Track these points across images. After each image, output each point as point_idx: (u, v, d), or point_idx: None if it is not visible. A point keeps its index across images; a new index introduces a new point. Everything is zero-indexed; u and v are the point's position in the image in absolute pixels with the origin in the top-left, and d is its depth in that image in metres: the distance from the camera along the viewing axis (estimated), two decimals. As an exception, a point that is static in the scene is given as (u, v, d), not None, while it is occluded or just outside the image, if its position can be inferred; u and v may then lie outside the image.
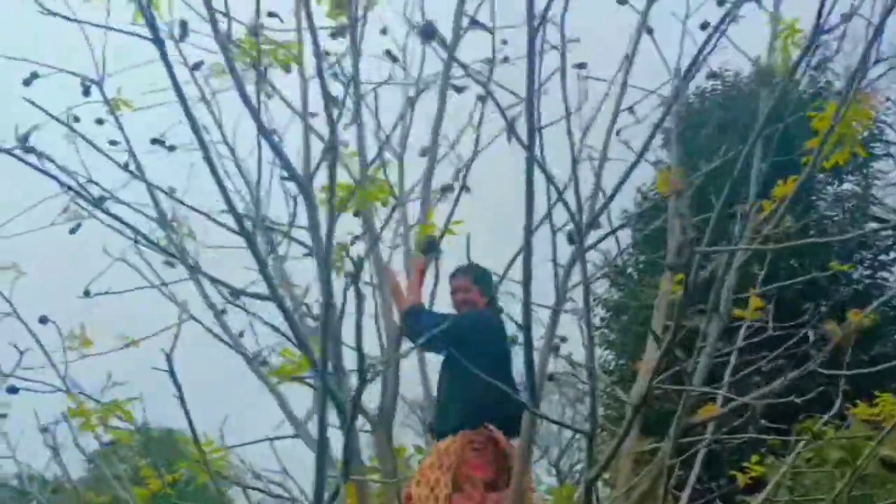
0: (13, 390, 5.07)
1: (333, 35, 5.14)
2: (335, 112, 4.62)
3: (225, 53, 3.74)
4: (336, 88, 5.36)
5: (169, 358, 3.26)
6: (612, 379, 13.70)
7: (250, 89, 4.00)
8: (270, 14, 4.91)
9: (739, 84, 15.99)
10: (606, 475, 4.77)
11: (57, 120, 4.90)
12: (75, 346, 5.18)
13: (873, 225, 15.55)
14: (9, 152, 4.27)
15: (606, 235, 4.52)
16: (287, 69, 5.12)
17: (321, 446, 2.86)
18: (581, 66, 5.17)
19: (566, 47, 3.87)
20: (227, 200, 3.96)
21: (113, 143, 5.15)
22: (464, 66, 5.21)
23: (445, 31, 5.33)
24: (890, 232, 15.72)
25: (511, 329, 5.07)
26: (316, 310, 5.43)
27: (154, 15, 3.52)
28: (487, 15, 5.51)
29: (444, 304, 5.32)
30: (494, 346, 4.83)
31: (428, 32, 5.15)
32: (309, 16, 3.88)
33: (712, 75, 5.31)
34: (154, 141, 5.38)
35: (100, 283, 5.24)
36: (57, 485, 5.58)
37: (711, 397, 4.90)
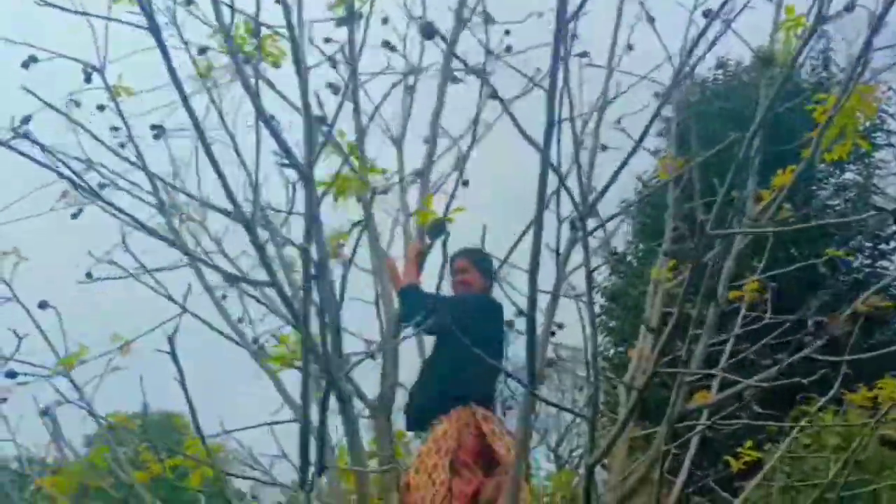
0: (11, 375, 5.08)
1: (339, 23, 5.16)
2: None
3: (226, 38, 3.75)
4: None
5: (171, 342, 3.29)
6: (610, 366, 13.75)
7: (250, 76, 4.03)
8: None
9: (741, 74, 15.98)
10: (603, 460, 4.79)
11: (52, 107, 4.89)
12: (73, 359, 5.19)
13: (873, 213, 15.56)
14: (5, 145, 4.26)
15: (605, 221, 4.53)
16: (276, 65, 5.11)
17: (303, 431, 2.87)
18: (583, 55, 5.19)
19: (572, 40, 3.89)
20: (226, 188, 3.98)
21: (114, 129, 5.16)
22: (463, 63, 5.21)
23: (446, 18, 5.34)
24: (890, 221, 15.74)
25: (509, 314, 5.10)
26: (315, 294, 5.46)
27: (150, 1, 3.52)
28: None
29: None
30: (487, 331, 4.84)
31: (428, 32, 5.16)
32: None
33: (721, 65, 5.30)
34: (153, 127, 5.39)
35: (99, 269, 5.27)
36: (57, 468, 5.59)
37: (707, 385, 4.92)
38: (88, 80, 4.92)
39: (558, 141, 3.20)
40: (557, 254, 3.67)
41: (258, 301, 5.63)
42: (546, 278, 4.33)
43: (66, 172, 4.69)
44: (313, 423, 3.36)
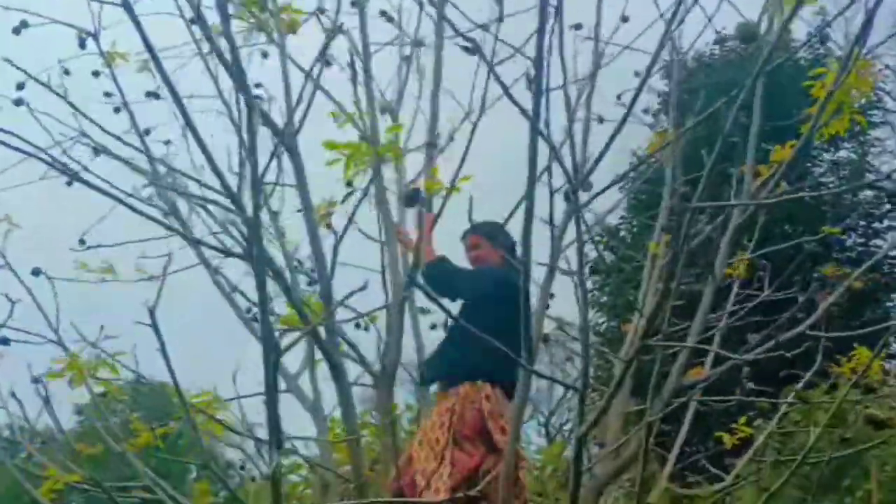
0: (4, 342, 5.07)
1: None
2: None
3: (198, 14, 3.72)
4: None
5: (152, 313, 3.26)
6: (602, 340, 13.78)
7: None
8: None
9: (738, 49, 15.92)
10: (594, 433, 4.80)
11: (37, 81, 4.87)
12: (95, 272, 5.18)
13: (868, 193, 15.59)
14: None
15: (599, 193, 4.51)
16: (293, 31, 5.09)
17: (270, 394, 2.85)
18: (577, 27, 5.15)
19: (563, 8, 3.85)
20: (210, 160, 3.96)
21: (107, 94, 5.13)
22: (456, 30, 5.18)
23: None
24: (884, 199, 15.76)
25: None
26: (308, 265, 5.45)
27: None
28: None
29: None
30: (508, 304, 4.80)
31: None
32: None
33: (718, 41, 5.28)
34: (149, 94, 5.36)
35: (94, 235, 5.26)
36: (48, 436, 5.60)
37: (700, 361, 4.92)
38: (83, 45, 4.89)
39: (546, 110, 3.19)
40: (552, 226, 3.66)
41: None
42: (540, 250, 4.35)
43: (46, 155, 4.66)
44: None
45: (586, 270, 14.58)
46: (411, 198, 5.25)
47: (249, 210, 4.22)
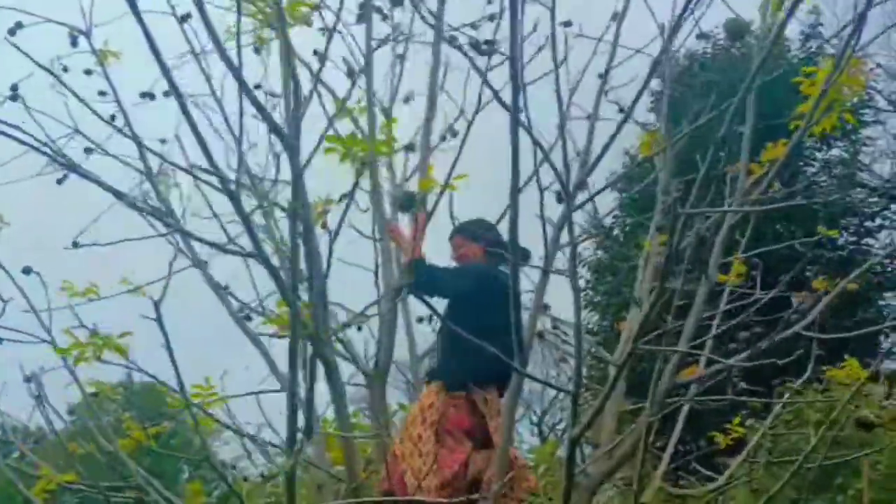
0: (-4, 341, 5.07)
1: None
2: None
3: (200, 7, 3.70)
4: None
5: (157, 306, 3.27)
6: (597, 340, 13.78)
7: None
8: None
9: (730, 46, 15.93)
10: (588, 434, 4.80)
11: (44, 68, 4.85)
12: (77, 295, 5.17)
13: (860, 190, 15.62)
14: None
15: (593, 195, 4.51)
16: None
17: (291, 395, 2.86)
18: (567, 24, 5.14)
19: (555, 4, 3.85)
20: (209, 157, 3.94)
21: (101, 93, 5.11)
22: (446, 33, 5.19)
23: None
24: (876, 198, 15.79)
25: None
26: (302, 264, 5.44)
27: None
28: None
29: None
30: (493, 298, 4.80)
31: None
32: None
33: (703, 36, 5.28)
34: (144, 95, 5.35)
35: (86, 236, 5.24)
36: (40, 436, 5.59)
37: (693, 360, 4.92)
38: (75, 43, 4.87)
39: (526, 108, 3.18)
40: (543, 226, 3.66)
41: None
42: (536, 251, 4.35)
43: (50, 143, 4.66)
44: (300, 389, 3.35)
45: (581, 270, 14.66)
46: (406, 203, 5.24)
47: (246, 207, 4.25)
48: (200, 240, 5.09)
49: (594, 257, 15.71)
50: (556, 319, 5.42)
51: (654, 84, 7.96)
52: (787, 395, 6.12)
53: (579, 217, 5.78)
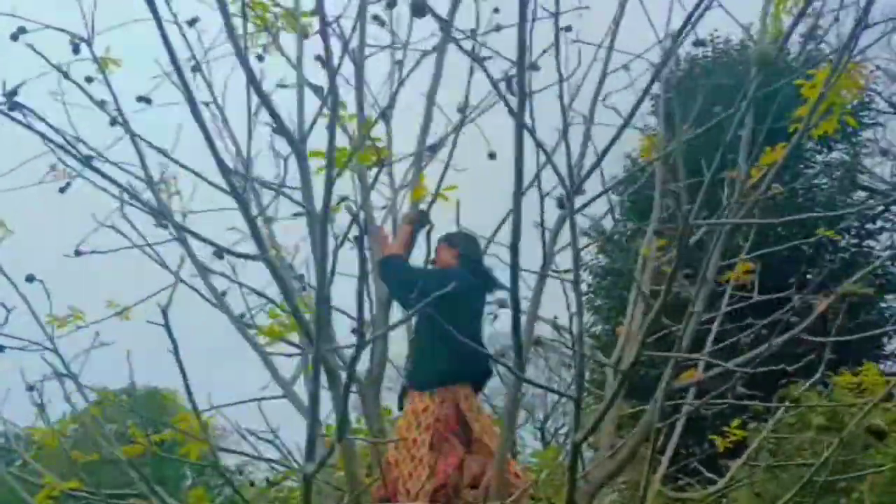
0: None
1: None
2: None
3: (222, 9, 3.72)
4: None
5: (165, 313, 3.28)
6: (597, 344, 13.78)
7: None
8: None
9: (730, 51, 15.96)
10: (590, 439, 4.81)
11: (56, 68, 4.87)
12: (65, 323, 5.19)
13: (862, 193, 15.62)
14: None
15: (594, 198, 4.52)
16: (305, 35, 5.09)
17: (313, 405, 2.87)
18: (567, 29, 5.15)
19: (559, 12, 3.86)
20: (218, 159, 3.95)
21: (101, 102, 5.12)
22: (454, 39, 5.18)
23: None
24: (877, 201, 15.78)
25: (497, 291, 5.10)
26: (303, 271, 5.45)
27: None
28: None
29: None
30: (463, 303, 4.82)
31: (419, 8, 5.16)
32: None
33: (699, 43, 5.30)
34: (140, 98, 5.36)
35: (87, 243, 5.25)
36: (43, 443, 5.59)
37: (694, 363, 4.92)
38: (76, 51, 4.88)
39: (531, 116, 3.19)
40: (543, 230, 3.67)
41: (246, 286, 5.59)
42: (534, 256, 4.36)
43: (58, 141, 4.67)
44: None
45: (583, 274, 14.65)
46: (421, 220, 5.25)
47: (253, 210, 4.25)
48: (208, 241, 5.10)
49: (595, 262, 15.73)
50: (556, 325, 5.43)
51: (655, 88, 7.97)
52: (788, 401, 6.13)
53: (581, 222, 5.79)
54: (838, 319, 4.42)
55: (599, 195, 4.56)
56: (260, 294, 5.44)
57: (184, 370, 3.74)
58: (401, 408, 5.08)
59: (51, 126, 4.54)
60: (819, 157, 16.41)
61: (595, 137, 4.75)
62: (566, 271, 4.87)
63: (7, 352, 5.15)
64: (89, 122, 5.02)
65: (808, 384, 5.48)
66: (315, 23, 5.20)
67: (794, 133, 4.09)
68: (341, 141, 5.05)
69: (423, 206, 5.35)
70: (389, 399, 5.31)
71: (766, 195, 4.39)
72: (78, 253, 5.21)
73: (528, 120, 3.24)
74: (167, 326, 3.41)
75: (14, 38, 4.84)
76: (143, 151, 5.11)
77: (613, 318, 14.20)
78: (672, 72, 5.62)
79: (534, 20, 3.21)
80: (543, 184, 3.84)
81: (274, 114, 3.85)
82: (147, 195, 5.18)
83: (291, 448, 5.47)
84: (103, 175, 4.54)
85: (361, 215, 5.19)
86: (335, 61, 4.66)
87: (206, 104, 5.22)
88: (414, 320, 5.10)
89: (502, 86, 3.65)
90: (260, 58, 5.42)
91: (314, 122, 4.63)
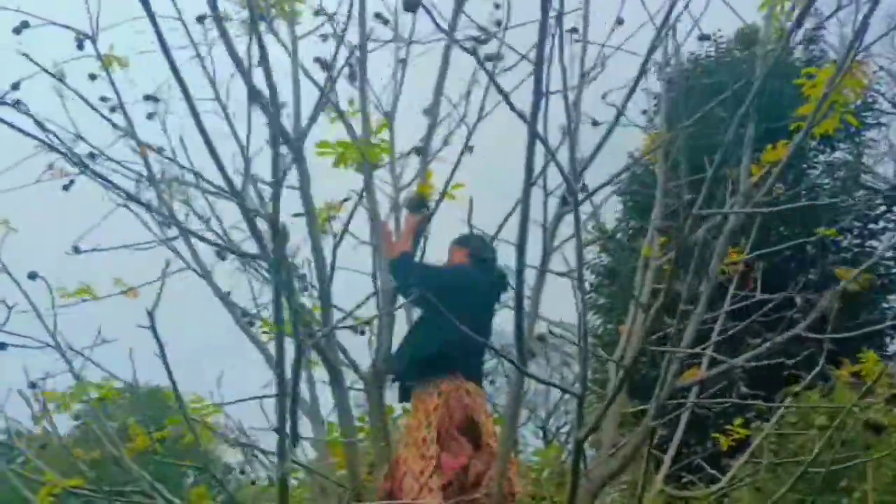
0: (1, 346, 5.07)
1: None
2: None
3: (214, 10, 3.72)
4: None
5: (151, 316, 3.28)
6: (600, 343, 13.78)
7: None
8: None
9: (733, 50, 15.96)
10: (592, 437, 4.80)
11: (47, 72, 4.86)
12: (69, 297, 5.19)
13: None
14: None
15: (594, 191, 4.52)
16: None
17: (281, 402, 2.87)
18: (573, 30, 5.16)
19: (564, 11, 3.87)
20: (217, 161, 3.95)
21: (104, 99, 5.12)
22: (454, 39, 5.19)
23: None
24: (880, 200, 15.78)
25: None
26: (304, 269, 5.45)
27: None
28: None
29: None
30: (472, 299, 4.85)
31: (411, 4, 5.16)
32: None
33: (704, 38, 5.28)
34: (147, 97, 5.36)
35: (89, 240, 5.25)
36: (45, 441, 5.59)
37: (696, 362, 4.92)
38: (80, 47, 4.88)
39: (545, 114, 3.19)
40: (544, 228, 3.67)
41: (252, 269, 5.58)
42: (534, 253, 4.35)
43: (56, 143, 4.67)
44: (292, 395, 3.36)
45: (586, 273, 14.63)
46: (417, 203, 5.26)
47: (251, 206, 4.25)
48: (207, 241, 5.10)
49: (598, 260, 15.73)
50: (558, 323, 5.43)
51: (657, 88, 7.97)
52: (790, 398, 6.12)
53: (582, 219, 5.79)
54: (832, 312, 4.40)
55: (600, 187, 4.56)
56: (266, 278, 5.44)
57: (171, 372, 3.75)
58: (401, 400, 5.10)
59: (44, 129, 4.54)
60: (822, 157, 16.41)
61: (599, 136, 4.75)
62: (570, 272, 4.88)
63: (9, 350, 5.14)
64: (93, 117, 5.03)
65: (808, 378, 5.46)
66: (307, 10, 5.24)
67: (796, 132, 4.08)
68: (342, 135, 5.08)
69: (420, 193, 5.36)
70: (390, 396, 5.31)
71: (771, 195, 4.39)
72: (76, 250, 5.21)
73: (545, 123, 3.25)
74: (153, 328, 3.40)
75: (17, 31, 4.83)
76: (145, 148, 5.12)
77: (616, 317, 14.20)
78: (673, 68, 5.61)
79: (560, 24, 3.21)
80: (547, 181, 3.84)
81: (270, 115, 3.85)
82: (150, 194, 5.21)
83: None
84: (100, 178, 4.53)
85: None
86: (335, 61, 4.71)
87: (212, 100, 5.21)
88: (418, 315, 5.12)
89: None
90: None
91: (312, 120, 4.64)
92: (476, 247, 5.20)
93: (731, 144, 3.33)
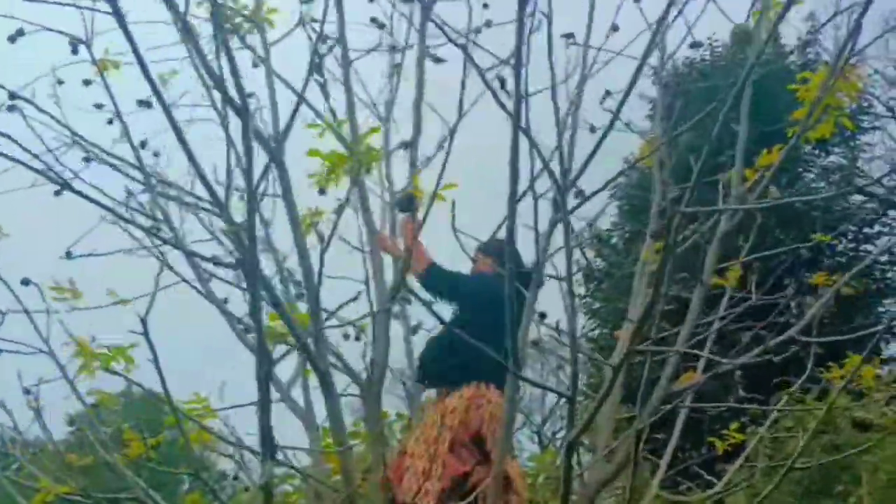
0: (-5, 352, 5.07)
1: None
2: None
3: (179, 19, 3.72)
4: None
5: (144, 322, 3.28)
6: (595, 347, 13.78)
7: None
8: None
9: (727, 54, 15.98)
10: (586, 440, 4.80)
11: (25, 96, 4.86)
12: (63, 298, 5.17)
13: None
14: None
15: (587, 198, 4.52)
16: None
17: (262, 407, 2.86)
18: (569, 35, 5.16)
19: (552, 13, 3.87)
20: (197, 169, 3.95)
21: (98, 106, 5.11)
22: (443, 30, 5.20)
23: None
24: (874, 204, 15.79)
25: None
26: (298, 276, 5.44)
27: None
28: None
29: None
30: (497, 308, 4.85)
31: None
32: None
33: (695, 45, 5.30)
34: (140, 103, 5.34)
35: (84, 244, 5.24)
36: (39, 446, 5.58)
37: (691, 366, 4.92)
38: (75, 52, 4.87)
39: (527, 114, 3.19)
40: (536, 232, 3.66)
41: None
42: (527, 256, 4.34)
43: (37, 163, 4.64)
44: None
45: (576, 276, 14.65)
46: (406, 203, 5.27)
47: (237, 219, 4.24)
48: (194, 253, 5.08)
49: (593, 264, 15.72)
50: (553, 327, 5.44)
51: (654, 92, 7.98)
52: (785, 401, 6.12)
53: (576, 225, 5.80)
54: (816, 318, 4.39)
55: (594, 194, 4.55)
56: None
57: (164, 379, 3.76)
58: (420, 381, 5.09)
59: (27, 150, 4.52)
60: (817, 161, 16.43)
61: (594, 141, 4.75)
62: (562, 278, 4.88)
63: (3, 355, 5.13)
64: (92, 120, 5.03)
65: (798, 382, 5.46)
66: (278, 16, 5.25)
67: (791, 136, 4.09)
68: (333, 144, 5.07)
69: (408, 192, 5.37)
70: (389, 403, 5.32)
71: (765, 197, 4.39)
72: (69, 255, 5.20)
73: (525, 122, 3.24)
74: (146, 335, 3.40)
75: (12, 39, 4.82)
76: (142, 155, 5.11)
77: (612, 322, 14.20)
78: (668, 73, 5.62)
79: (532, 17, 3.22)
80: (539, 185, 3.84)
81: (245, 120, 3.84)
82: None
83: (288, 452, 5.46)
84: (82, 195, 4.51)
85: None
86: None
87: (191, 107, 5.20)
88: (449, 319, 5.09)
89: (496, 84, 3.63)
90: (255, 64, 5.40)
91: (290, 125, 4.62)
92: (497, 253, 5.19)
93: (718, 141, 3.32)
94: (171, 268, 5.31)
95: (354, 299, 5.05)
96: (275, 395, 5.15)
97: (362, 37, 5.66)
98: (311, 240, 5.08)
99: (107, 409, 5.58)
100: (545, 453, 7.30)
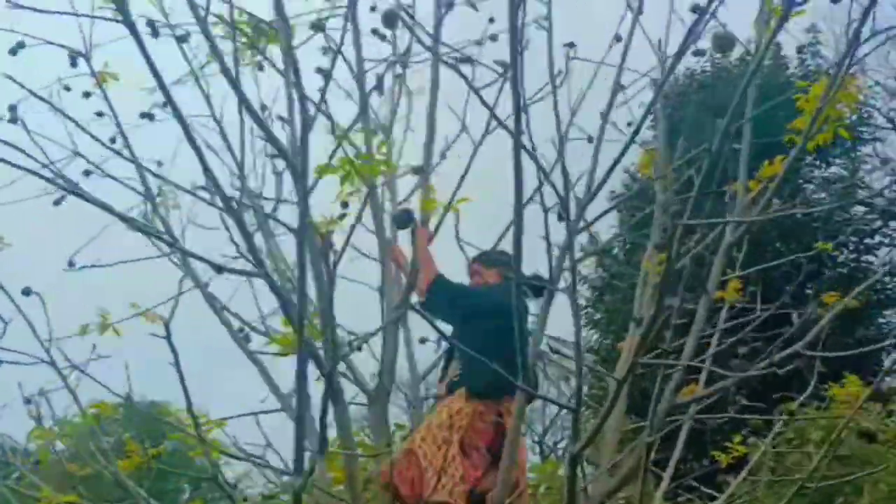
0: (-4, 362, 5.08)
1: None
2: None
3: (203, 28, 3.73)
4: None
5: (167, 326, 3.30)
6: (598, 359, 13.77)
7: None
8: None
9: (729, 66, 15.98)
10: (589, 453, 4.79)
11: (38, 97, 4.86)
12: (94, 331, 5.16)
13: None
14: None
15: (597, 218, 4.53)
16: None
17: (301, 412, 2.86)
18: (570, 45, 5.17)
19: (552, 24, 3.90)
20: (212, 179, 3.95)
21: (99, 114, 5.12)
22: (438, 56, 5.22)
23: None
24: (875, 215, 15.78)
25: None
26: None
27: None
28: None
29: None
30: (508, 318, 4.85)
31: (390, 20, 5.22)
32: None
33: (699, 53, 5.32)
34: (143, 115, 5.36)
35: (89, 253, 5.25)
36: (40, 457, 5.57)
37: (694, 379, 4.91)
38: (74, 64, 4.88)
39: (527, 125, 3.20)
40: (548, 244, 3.66)
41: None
42: (533, 267, 4.34)
43: (42, 169, 4.64)
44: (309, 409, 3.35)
45: (582, 288, 14.63)
46: (402, 219, 5.26)
47: (249, 226, 4.25)
48: (202, 259, 5.09)
49: (595, 276, 15.70)
50: (557, 339, 5.44)
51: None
52: (786, 414, 6.11)
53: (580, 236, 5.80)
54: (823, 332, 4.38)
55: (604, 214, 4.56)
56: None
57: (185, 383, 3.75)
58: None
59: (29, 155, 4.53)
60: (818, 173, 16.42)
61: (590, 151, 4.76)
62: (565, 288, 4.87)
63: (4, 365, 5.13)
64: (93, 131, 5.03)
65: (801, 398, 5.45)
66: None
67: (791, 147, 4.08)
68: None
69: (403, 206, 5.37)
70: (394, 414, 5.32)
71: (769, 209, 4.38)
72: (72, 264, 5.20)
73: (528, 135, 3.25)
74: (169, 339, 3.41)
75: (13, 52, 4.83)
76: (142, 165, 5.12)
77: (613, 333, 14.18)
78: (671, 86, 5.63)
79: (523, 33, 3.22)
80: (547, 197, 3.84)
81: (266, 130, 3.86)
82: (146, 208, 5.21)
83: (290, 461, 5.44)
84: (90, 199, 4.51)
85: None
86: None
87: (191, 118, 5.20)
88: (459, 332, 5.06)
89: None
90: (260, 67, 5.41)
91: (305, 134, 4.62)
92: (504, 264, 5.20)
93: (719, 153, 3.32)
94: (192, 277, 5.33)
95: (374, 334, 5.03)
96: (275, 404, 5.17)
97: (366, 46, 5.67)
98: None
99: (107, 419, 5.58)
100: (546, 463, 7.30)
